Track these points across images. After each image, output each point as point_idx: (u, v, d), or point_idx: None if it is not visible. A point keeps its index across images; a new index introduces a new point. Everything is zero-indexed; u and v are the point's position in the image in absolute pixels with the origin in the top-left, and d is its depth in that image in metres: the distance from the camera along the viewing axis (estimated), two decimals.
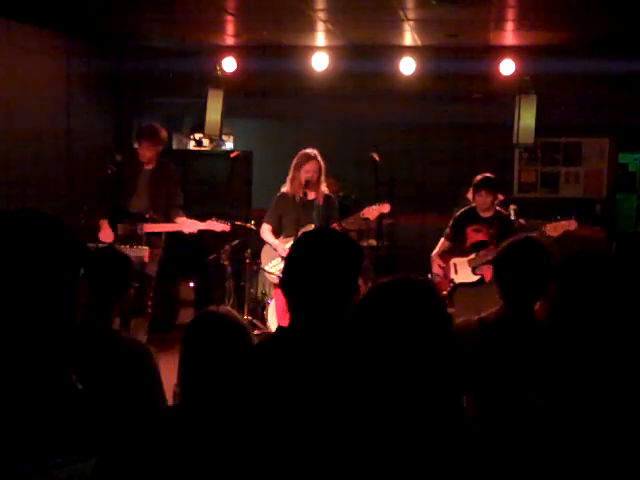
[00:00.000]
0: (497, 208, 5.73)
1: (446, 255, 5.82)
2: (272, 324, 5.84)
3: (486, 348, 2.64)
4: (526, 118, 7.19)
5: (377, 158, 6.09)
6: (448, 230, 5.86)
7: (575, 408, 1.56)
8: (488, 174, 5.73)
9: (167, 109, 9.18)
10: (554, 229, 5.29)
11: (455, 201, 7.15)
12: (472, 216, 5.71)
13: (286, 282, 2.02)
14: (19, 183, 6.34)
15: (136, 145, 6.07)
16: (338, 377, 1.76)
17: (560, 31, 6.65)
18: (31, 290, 1.34)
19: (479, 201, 5.62)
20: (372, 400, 1.51)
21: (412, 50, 7.53)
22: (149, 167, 5.98)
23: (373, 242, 6.65)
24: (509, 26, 6.70)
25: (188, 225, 5.91)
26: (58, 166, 7.06)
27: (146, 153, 5.91)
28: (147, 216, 5.80)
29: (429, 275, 5.87)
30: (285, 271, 2.04)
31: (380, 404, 1.50)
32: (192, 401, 2.08)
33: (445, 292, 5.67)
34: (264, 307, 6.21)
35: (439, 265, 5.81)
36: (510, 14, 6.31)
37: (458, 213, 5.86)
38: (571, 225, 5.29)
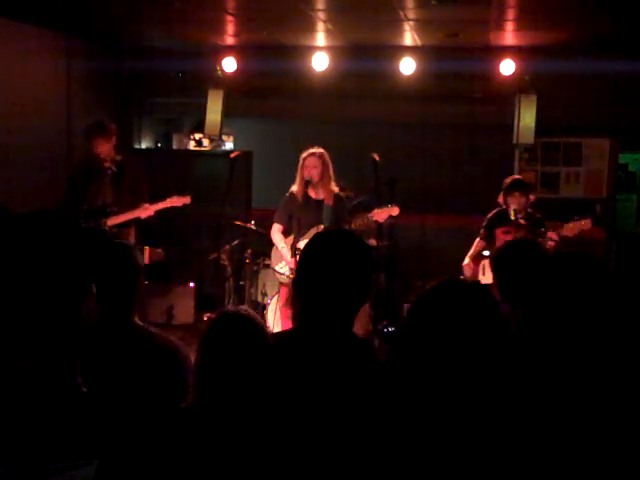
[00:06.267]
0: (529, 210, 5.81)
1: (479, 257, 5.93)
2: (272, 324, 5.83)
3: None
4: (526, 118, 7.19)
5: (377, 158, 6.09)
6: (482, 230, 5.99)
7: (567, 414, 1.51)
8: (517, 176, 6.00)
9: (167, 109, 9.17)
10: (571, 229, 5.56)
11: (456, 202, 7.14)
12: (503, 218, 5.81)
13: (300, 284, 1.98)
14: (19, 183, 6.34)
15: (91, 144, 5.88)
16: (363, 379, 1.74)
17: (560, 31, 6.65)
18: (44, 291, 1.33)
19: (514, 203, 5.68)
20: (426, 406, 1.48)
21: (412, 50, 7.53)
22: (108, 164, 5.86)
23: (373, 242, 6.62)
24: (509, 26, 6.70)
25: (146, 209, 5.84)
26: (58, 166, 7.05)
27: (100, 150, 5.83)
28: (108, 210, 5.79)
29: (461, 277, 6.01)
30: (299, 273, 2.00)
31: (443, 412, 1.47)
32: (209, 401, 2.05)
33: None
34: (264, 307, 6.21)
35: (469, 267, 5.93)
36: (510, 14, 6.30)
37: (491, 214, 5.97)
38: (586, 225, 5.54)
